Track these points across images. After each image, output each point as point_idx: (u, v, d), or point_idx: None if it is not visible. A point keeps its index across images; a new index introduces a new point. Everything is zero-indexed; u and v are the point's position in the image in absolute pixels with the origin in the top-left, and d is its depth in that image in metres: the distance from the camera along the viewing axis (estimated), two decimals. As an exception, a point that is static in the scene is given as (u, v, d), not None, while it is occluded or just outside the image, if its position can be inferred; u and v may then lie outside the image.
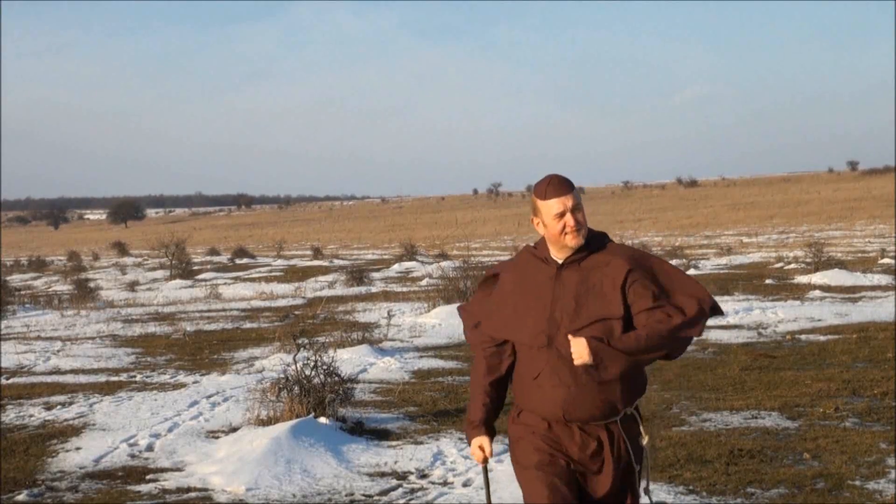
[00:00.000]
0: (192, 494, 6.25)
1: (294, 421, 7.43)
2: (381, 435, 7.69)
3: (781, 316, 14.74)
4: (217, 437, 7.68)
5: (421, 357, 11.85)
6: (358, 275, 26.33)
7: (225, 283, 29.47)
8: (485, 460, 3.47)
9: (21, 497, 6.18)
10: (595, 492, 3.38)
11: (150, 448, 7.43)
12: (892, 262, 25.72)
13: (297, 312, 18.66)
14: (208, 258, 49.62)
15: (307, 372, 7.99)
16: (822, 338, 12.50)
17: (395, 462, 6.91)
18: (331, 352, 9.03)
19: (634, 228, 69.70)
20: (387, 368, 11.03)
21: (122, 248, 61.62)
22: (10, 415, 8.82)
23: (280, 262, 43.67)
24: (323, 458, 6.90)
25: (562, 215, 3.33)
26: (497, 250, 45.04)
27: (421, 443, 7.42)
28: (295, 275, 32.76)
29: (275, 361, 11.24)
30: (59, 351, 13.27)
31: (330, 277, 29.58)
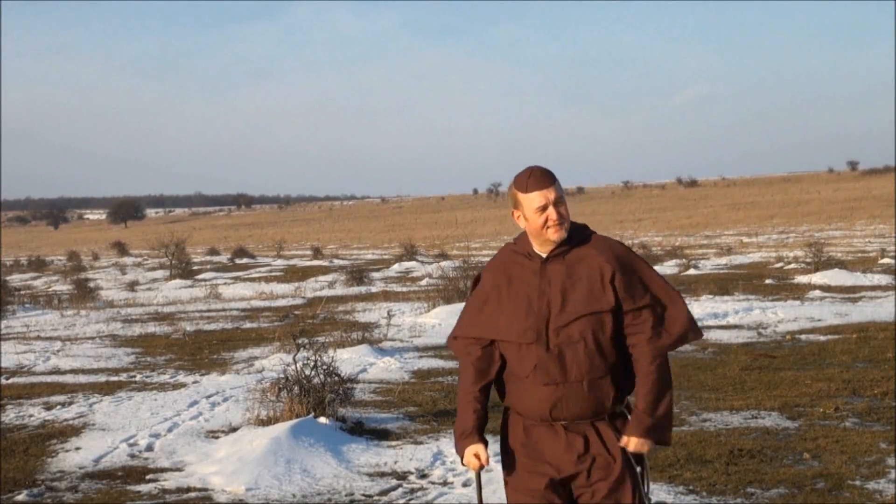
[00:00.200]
0: (192, 494, 6.24)
1: (294, 421, 7.43)
2: (381, 435, 7.69)
3: (781, 316, 14.74)
4: (217, 437, 7.67)
5: (421, 357, 11.86)
6: (358, 275, 26.35)
7: (225, 283, 29.48)
8: (480, 468, 3.32)
9: (21, 497, 6.18)
10: (588, 497, 3.25)
11: (149, 448, 7.42)
12: (892, 262, 25.72)
13: (297, 312, 18.67)
14: (208, 258, 49.64)
15: (307, 372, 7.99)
16: (822, 338, 12.50)
17: (395, 462, 6.91)
18: (331, 352, 9.03)
19: (634, 228, 69.72)
20: (387, 368, 11.03)
21: (121, 248, 61.68)
22: (10, 415, 8.81)
23: (280, 262, 43.70)
24: (323, 458, 6.90)
25: (544, 209, 3.23)
26: (497, 250, 45.04)
27: (421, 443, 7.42)
28: (295, 275, 32.77)
29: (275, 361, 11.24)
30: (58, 351, 13.27)
31: (330, 277, 29.59)
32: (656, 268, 27.05)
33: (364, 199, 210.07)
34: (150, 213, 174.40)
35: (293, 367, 8.10)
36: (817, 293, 18.30)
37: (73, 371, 11.52)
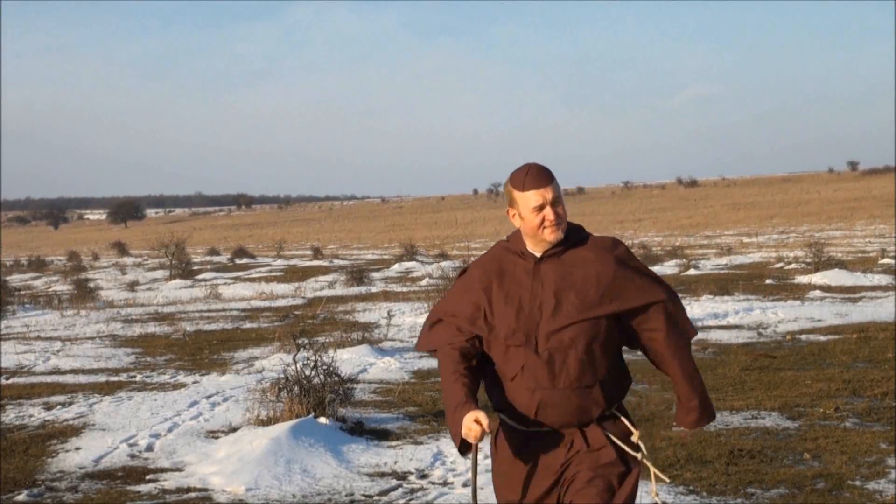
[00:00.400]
0: (192, 494, 6.24)
1: (294, 421, 7.42)
2: (381, 435, 7.69)
3: (781, 316, 14.73)
4: (217, 438, 7.67)
5: (421, 357, 11.85)
6: (358, 275, 26.34)
7: (225, 283, 29.49)
8: (482, 435, 3.00)
9: (21, 497, 6.18)
10: (574, 485, 3.11)
11: (149, 448, 7.42)
12: (893, 262, 25.72)
13: (297, 312, 18.66)
14: (208, 258, 49.65)
15: (307, 372, 7.99)
16: (822, 338, 12.50)
17: (395, 462, 6.90)
18: (331, 352, 9.03)
19: (634, 228, 69.73)
20: (387, 368, 11.03)
21: (121, 248, 61.69)
22: (10, 415, 8.81)
23: (280, 262, 43.70)
24: (323, 458, 6.90)
25: (541, 208, 3.10)
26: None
27: (421, 443, 7.42)
28: (295, 275, 32.77)
29: (275, 361, 11.24)
30: (58, 351, 13.27)
31: (330, 277, 29.59)
32: (656, 268, 27.12)
33: (364, 199, 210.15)
34: (150, 213, 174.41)
35: (293, 367, 8.10)
36: (817, 293, 18.30)
37: (73, 371, 11.52)
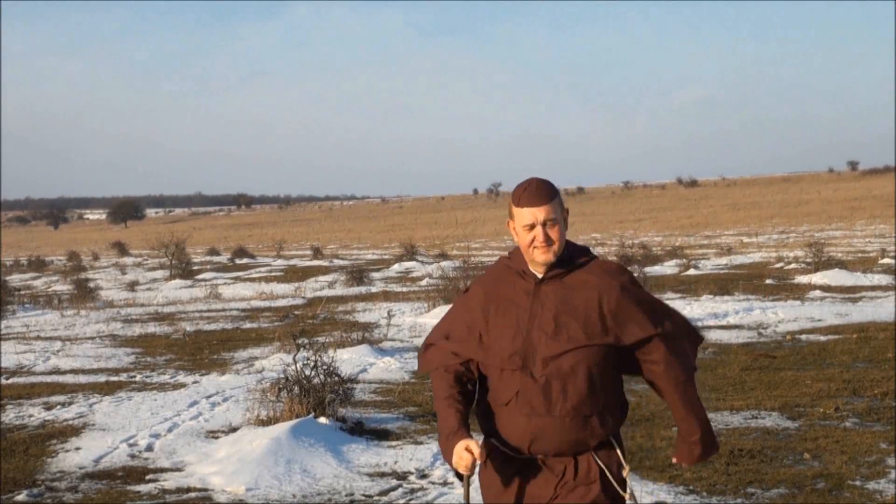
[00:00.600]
0: (192, 495, 6.24)
1: (294, 421, 7.42)
2: (381, 435, 7.69)
3: (781, 316, 14.73)
4: (217, 438, 7.67)
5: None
6: (358, 275, 26.34)
7: (225, 283, 29.49)
8: (473, 465, 3.00)
9: (21, 497, 6.18)
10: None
11: (149, 448, 7.42)
12: (893, 262, 25.71)
13: (297, 312, 18.66)
14: (208, 258, 49.63)
15: (307, 372, 7.98)
16: (822, 338, 12.50)
17: (395, 462, 6.90)
18: (331, 352, 9.03)
19: (634, 228, 69.70)
20: (387, 368, 11.03)
21: (121, 248, 61.67)
22: (10, 415, 8.81)
23: (280, 262, 43.69)
24: (323, 458, 6.90)
25: (531, 227, 3.00)
26: (497, 250, 45.00)
27: (421, 443, 7.42)
28: (295, 275, 32.77)
29: (275, 361, 11.24)
30: (58, 351, 13.27)
31: (330, 277, 29.58)
32: (656, 268, 27.12)
33: (364, 199, 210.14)
34: (150, 213, 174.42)
35: (293, 367, 8.10)
36: (817, 293, 18.29)
37: (73, 371, 11.52)
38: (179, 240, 36.05)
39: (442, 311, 16.01)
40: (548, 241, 2.99)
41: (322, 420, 7.64)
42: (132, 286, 29.98)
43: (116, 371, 11.49)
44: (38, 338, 15.25)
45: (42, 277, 40.04)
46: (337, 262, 40.72)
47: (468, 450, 2.96)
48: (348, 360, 10.98)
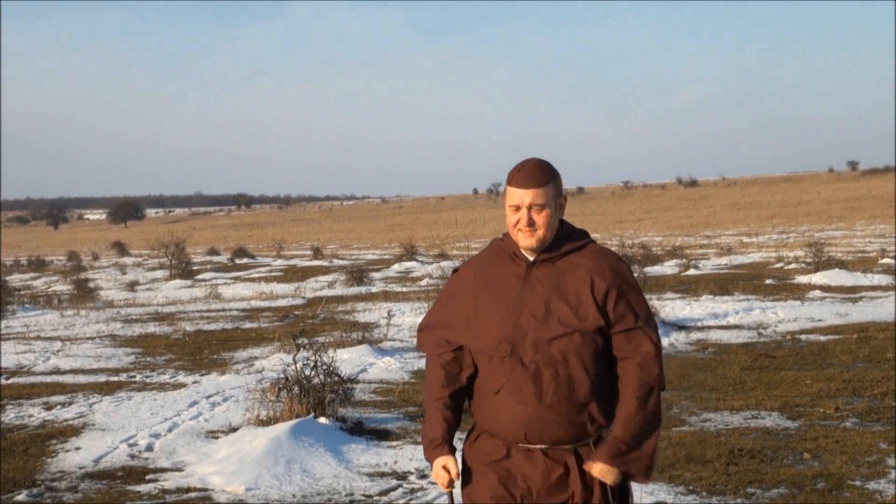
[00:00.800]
0: (192, 494, 6.24)
1: (294, 421, 7.42)
2: (381, 435, 7.68)
3: (781, 316, 14.73)
4: (217, 437, 7.67)
5: (421, 357, 11.84)
6: (358, 275, 26.33)
7: (225, 283, 29.48)
8: (450, 483, 2.95)
9: (21, 497, 6.18)
10: None
11: (149, 448, 7.42)
12: (893, 262, 25.70)
13: (297, 312, 18.66)
14: (208, 258, 49.63)
15: (307, 372, 7.98)
16: (822, 338, 12.49)
17: (395, 462, 6.90)
18: (331, 352, 9.04)
19: (634, 228, 69.70)
20: (387, 368, 11.03)
21: (121, 248, 61.63)
22: (10, 415, 8.81)
23: (280, 262, 43.68)
24: (323, 458, 6.90)
25: (517, 209, 2.92)
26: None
27: (421, 443, 7.40)
28: (295, 275, 32.76)
29: (275, 361, 11.24)
30: (58, 351, 13.27)
31: (330, 277, 29.58)
32: (656, 268, 27.11)
33: (364, 199, 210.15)
34: (150, 213, 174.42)
35: (293, 367, 8.10)
36: (817, 293, 18.29)
37: (73, 371, 11.52)
38: (179, 240, 36.03)
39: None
40: (531, 224, 2.91)
41: (322, 420, 7.64)
42: (132, 286, 29.97)
43: (116, 371, 11.49)
44: (38, 338, 15.25)
45: (42, 277, 40.03)
46: (337, 262, 40.71)
47: (445, 468, 2.95)
48: (348, 360, 10.98)
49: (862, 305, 15.86)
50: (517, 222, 2.93)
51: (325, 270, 34.12)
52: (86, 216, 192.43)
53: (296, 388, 7.90)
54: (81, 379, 10.86)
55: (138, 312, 19.70)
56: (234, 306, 20.64)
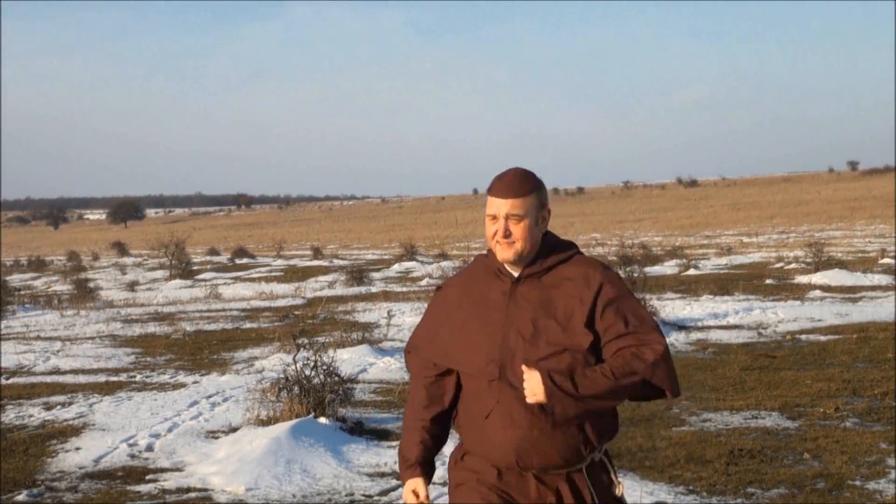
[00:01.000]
0: (192, 494, 6.24)
1: (294, 421, 7.42)
2: (381, 435, 7.68)
3: (781, 316, 14.73)
4: (217, 438, 7.67)
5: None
6: (358, 275, 26.32)
7: (225, 283, 29.49)
8: None
9: (21, 497, 6.18)
10: None
11: (149, 448, 7.42)
12: (893, 262, 25.70)
13: (297, 312, 18.66)
14: (208, 258, 49.64)
15: (307, 372, 7.98)
16: (822, 338, 12.49)
17: (395, 462, 6.89)
18: (331, 352, 9.03)
19: (634, 228, 69.70)
20: (387, 368, 11.03)
21: (121, 248, 61.66)
22: (10, 415, 8.81)
23: (280, 262, 43.69)
24: (323, 458, 6.90)
25: (494, 219, 2.81)
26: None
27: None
28: (295, 275, 32.76)
29: (275, 361, 11.24)
30: (58, 351, 13.27)
31: (330, 277, 29.58)
32: (656, 268, 27.11)
33: (364, 199, 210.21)
34: (150, 213, 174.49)
35: (293, 367, 8.10)
36: (817, 293, 18.29)
37: (73, 371, 11.52)
38: (179, 240, 36.04)
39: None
40: (507, 236, 2.79)
41: (322, 420, 7.64)
42: (132, 286, 29.97)
43: (116, 371, 11.49)
44: (38, 338, 15.25)
45: (42, 277, 40.04)
46: (337, 262, 40.72)
47: (414, 492, 2.91)
48: (348, 360, 10.98)
49: (862, 305, 15.85)
50: (494, 233, 2.81)
51: (325, 270, 34.12)
52: (86, 216, 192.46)
53: (296, 388, 7.90)
54: (81, 379, 10.86)
55: (138, 312, 19.70)
56: (234, 306, 20.63)
